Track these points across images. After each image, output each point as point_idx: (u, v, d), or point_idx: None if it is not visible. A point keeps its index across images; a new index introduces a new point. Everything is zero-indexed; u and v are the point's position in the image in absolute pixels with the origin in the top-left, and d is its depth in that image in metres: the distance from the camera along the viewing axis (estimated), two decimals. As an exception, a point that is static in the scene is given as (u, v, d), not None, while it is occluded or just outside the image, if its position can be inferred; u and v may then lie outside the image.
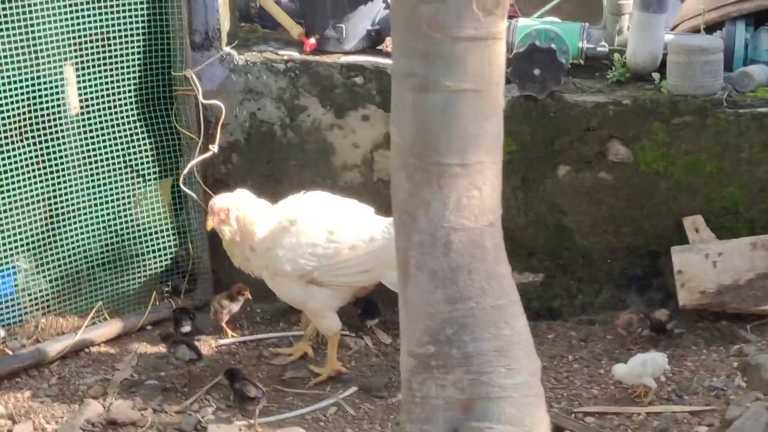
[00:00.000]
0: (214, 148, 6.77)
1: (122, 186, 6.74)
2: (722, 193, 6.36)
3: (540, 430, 4.06)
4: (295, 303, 6.18)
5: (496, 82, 3.92)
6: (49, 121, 6.34)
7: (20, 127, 6.24)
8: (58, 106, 6.36)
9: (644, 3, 6.39)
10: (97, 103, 6.53)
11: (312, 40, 6.99)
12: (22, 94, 6.18)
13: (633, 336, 6.23)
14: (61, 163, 6.45)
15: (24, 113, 6.24)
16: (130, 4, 6.47)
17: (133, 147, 6.72)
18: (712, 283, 6.18)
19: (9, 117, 6.16)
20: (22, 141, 6.26)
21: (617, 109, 6.38)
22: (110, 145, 6.62)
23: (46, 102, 6.30)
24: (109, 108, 6.59)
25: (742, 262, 6.17)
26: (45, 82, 6.27)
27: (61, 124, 6.39)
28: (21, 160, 6.26)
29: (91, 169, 6.59)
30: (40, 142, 6.35)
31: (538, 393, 4.10)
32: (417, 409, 4.09)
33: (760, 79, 6.34)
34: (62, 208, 6.51)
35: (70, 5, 6.24)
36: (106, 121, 6.58)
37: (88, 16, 6.30)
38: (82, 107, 6.45)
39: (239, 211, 5.99)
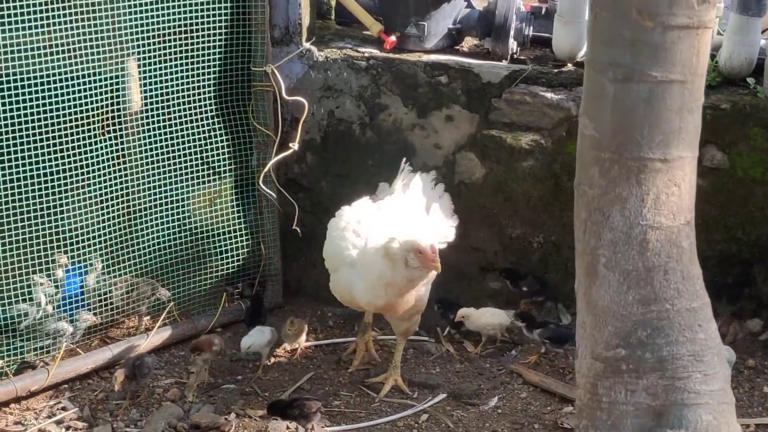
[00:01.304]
0: (295, 146, 6.56)
1: (197, 184, 6.47)
2: (820, 201, 6.25)
3: (735, 439, 3.89)
4: (418, 306, 5.97)
5: (702, 73, 3.77)
6: (127, 116, 6.06)
7: (103, 123, 5.96)
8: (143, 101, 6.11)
9: (743, 6, 6.29)
10: (177, 98, 6.25)
11: (392, 38, 6.81)
12: (105, 88, 5.95)
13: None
14: (139, 159, 6.18)
15: (106, 108, 5.96)
16: (211, -2, 6.20)
17: (210, 144, 6.47)
18: (812, 293, 6.06)
19: (92, 111, 5.87)
20: (104, 136, 5.98)
21: (714, 113, 6.26)
22: (187, 141, 6.39)
23: (126, 97, 6.05)
24: (188, 103, 6.32)
25: (843, 271, 6.06)
26: (125, 77, 5.98)
27: (140, 120, 6.16)
28: (102, 156, 5.98)
29: (168, 165, 6.31)
30: (120, 137, 6.07)
31: (731, 401, 3.94)
32: (603, 415, 3.91)
33: None
34: (139, 205, 6.22)
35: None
36: (184, 116, 6.36)
37: (171, 8, 6.05)
38: (162, 102, 6.21)
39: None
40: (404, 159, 6.29)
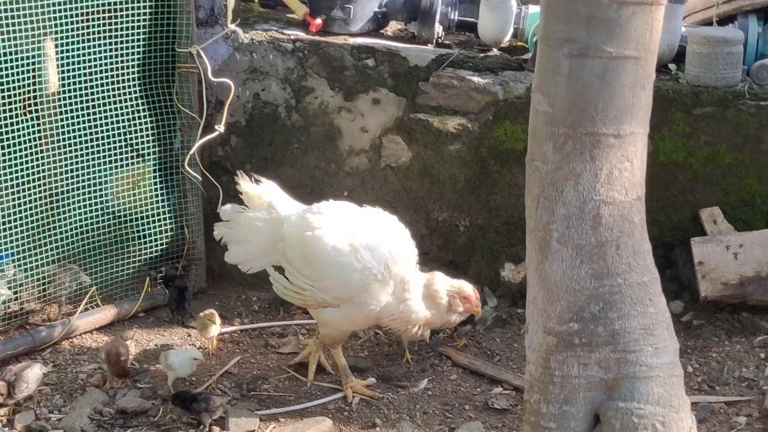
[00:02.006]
0: (221, 128, 6.47)
1: (120, 166, 6.36)
2: (740, 185, 6.40)
3: (685, 411, 3.96)
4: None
5: (654, 50, 3.82)
6: (46, 98, 5.93)
7: (25, 104, 5.81)
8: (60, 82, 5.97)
9: (666, -7, 6.37)
10: (100, 79, 6.12)
11: (318, 21, 6.78)
12: (24, 68, 5.80)
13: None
14: (60, 142, 6.04)
15: (26, 89, 5.81)
16: (136, -23, 6.09)
17: (133, 126, 6.35)
18: (734, 275, 6.20)
19: (11, 92, 5.71)
20: (26, 116, 5.82)
21: (639, 98, 6.32)
22: (111, 123, 6.26)
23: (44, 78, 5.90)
24: (111, 84, 6.20)
25: (763, 254, 6.22)
26: (43, 57, 5.84)
27: (61, 101, 6.01)
28: (22, 138, 5.83)
29: (90, 148, 6.19)
30: (41, 119, 5.92)
31: (680, 374, 4.00)
32: (555, 389, 3.94)
33: (778, 72, 6.40)
34: (60, 189, 6.08)
35: (75, -23, 5.84)
36: (107, 98, 6.22)
37: (95, -12, 5.92)
38: (84, 83, 6.07)
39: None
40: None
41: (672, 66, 6.57)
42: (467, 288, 5.55)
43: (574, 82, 3.77)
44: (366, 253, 5.44)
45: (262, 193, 5.82)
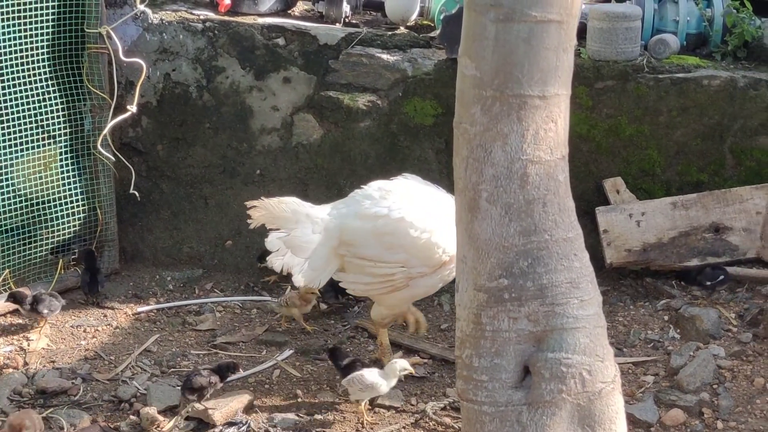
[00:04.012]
0: (133, 108, 6.47)
1: (30, 148, 6.32)
2: (641, 155, 6.63)
3: (609, 360, 4.13)
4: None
5: (575, 14, 3.97)
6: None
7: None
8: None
9: (567, -29, 6.57)
10: (9, 60, 6.09)
11: (227, 1, 6.82)
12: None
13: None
14: (-30, 120, 5.98)
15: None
16: (43, -44, 6.06)
17: (43, 107, 6.32)
18: (637, 242, 6.43)
19: None
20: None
21: (543, 73, 6.52)
22: (20, 105, 6.23)
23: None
24: (20, 65, 6.18)
25: (664, 221, 6.46)
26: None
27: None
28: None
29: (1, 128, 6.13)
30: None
31: (604, 325, 4.17)
32: (487, 343, 4.07)
33: (673, 47, 6.67)
34: (-30, 168, 6.03)
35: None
36: (16, 78, 6.19)
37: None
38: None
39: None
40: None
41: (574, 42, 6.75)
42: None
43: (501, 45, 3.89)
44: (446, 215, 5.21)
45: (297, 207, 5.56)
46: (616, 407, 4.08)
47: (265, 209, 5.52)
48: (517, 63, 3.89)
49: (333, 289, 6.29)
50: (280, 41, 6.63)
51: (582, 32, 6.52)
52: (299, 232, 5.47)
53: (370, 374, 5.31)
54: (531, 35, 3.87)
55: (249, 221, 5.58)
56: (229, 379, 5.44)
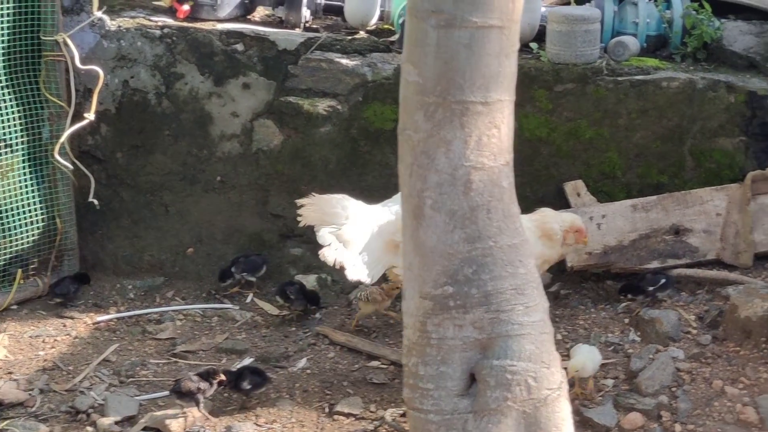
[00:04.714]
0: (91, 116, 6.44)
1: (-12, 156, 6.27)
2: (601, 158, 6.63)
3: (555, 366, 4.11)
4: None
5: (517, 19, 3.96)
6: None
7: None
8: None
9: (525, -26, 6.56)
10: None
11: (185, 7, 6.80)
12: None
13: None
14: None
15: None
16: (-2, -37, 6.03)
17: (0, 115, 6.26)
18: (598, 245, 6.42)
19: None
20: None
21: (503, 77, 6.50)
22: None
23: None
24: (-25, 73, 6.11)
25: (624, 224, 6.45)
26: None
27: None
28: None
29: (-44, 137, 6.10)
30: None
31: (550, 330, 4.16)
32: (432, 351, 4.05)
33: (633, 49, 6.66)
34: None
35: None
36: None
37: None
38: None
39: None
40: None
41: (533, 45, 6.77)
42: (578, 221, 5.69)
43: (442, 51, 3.88)
44: None
45: (348, 203, 5.56)
46: (562, 414, 4.07)
47: (316, 205, 5.53)
48: (459, 69, 3.87)
49: (304, 296, 6.28)
50: (239, 47, 6.60)
51: (542, 35, 6.53)
52: (352, 227, 5.47)
53: None
54: (472, 41, 3.85)
55: (299, 219, 5.59)
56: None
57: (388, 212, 5.55)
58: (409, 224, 4.06)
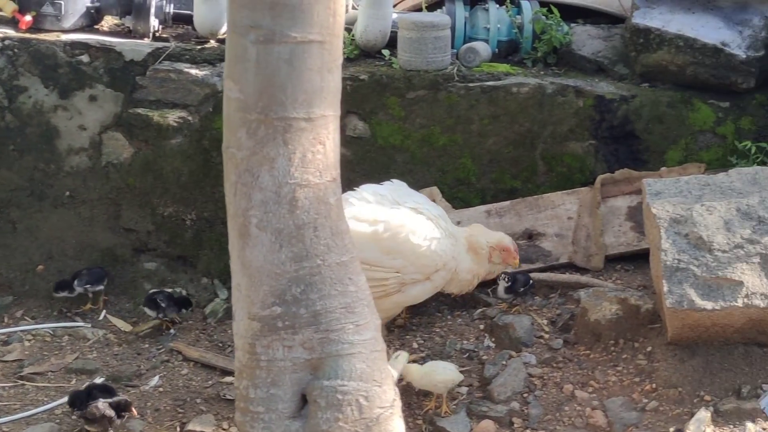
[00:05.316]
0: (-72, 133, 6.20)
1: None
2: (455, 164, 6.62)
3: (388, 384, 4.07)
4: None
5: (339, 34, 3.91)
6: None
7: None
8: None
9: (375, -19, 6.55)
10: None
11: (28, 17, 6.61)
12: None
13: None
14: None
15: None
16: None
17: None
18: (454, 251, 6.38)
19: None
20: None
21: (354, 84, 6.50)
22: None
23: None
24: None
25: (479, 229, 6.42)
26: None
27: None
28: None
29: None
30: None
31: (383, 348, 4.12)
32: (262, 374, 3.98)
33: (484, 54, 6.67)
34: None
35: None
36: None
37: None
38: None
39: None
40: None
41: (386, 52, 6.73)
42: (506, 240, 5.69)
43: (263, 67, 3.81)
44: (442, 222, 5.59)
45: None
46: (395, 432, 4.02)
47: None
48: (280, 85, 3.80)
49: (175, 303, 6.22)
50: (84, 58, 6.45)
51: (393, 42, 6.49)
52: None
53: None
54: (293, 56, 3.79)
55: None
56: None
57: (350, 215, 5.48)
58: (236, 244, 3.98)
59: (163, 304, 6.21)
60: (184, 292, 6.57)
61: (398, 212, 5.52)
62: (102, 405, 5.20)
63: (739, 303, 5.00)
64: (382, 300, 5.47)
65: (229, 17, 3.87)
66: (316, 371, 4.01)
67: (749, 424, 4.94)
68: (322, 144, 3.90)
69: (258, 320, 3.96)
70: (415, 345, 6.10)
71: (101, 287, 6.47)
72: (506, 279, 6.02)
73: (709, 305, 5.01)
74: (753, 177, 5.52)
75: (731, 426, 4.99)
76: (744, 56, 6.43)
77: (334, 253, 3.98)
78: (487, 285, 6.24)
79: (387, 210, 5.52)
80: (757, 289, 5.05)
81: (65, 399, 5.65)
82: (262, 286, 3.95)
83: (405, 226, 5.44)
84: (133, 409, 5.31)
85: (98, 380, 5.79)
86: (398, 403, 4.12)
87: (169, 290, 6.46)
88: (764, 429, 4.92)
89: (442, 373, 5.32)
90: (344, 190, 5.38)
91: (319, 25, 3.81)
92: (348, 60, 6.74)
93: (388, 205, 5.56)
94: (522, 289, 6.15)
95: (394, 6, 7.14)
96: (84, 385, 5.51)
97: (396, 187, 5.77)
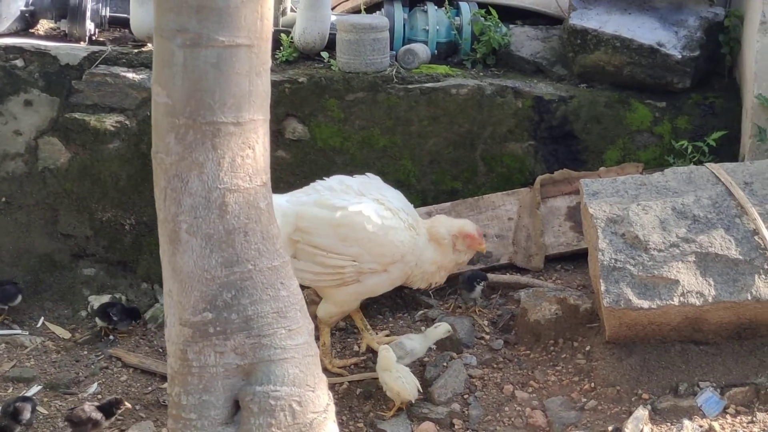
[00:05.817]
0: None
1: None
2: (395, 166, 6.62)
3: (321, 389, 4.05)
4: None
5: (267, 38, 3.88)
6: None
7: None
8: None
9: (313, -16, 6.52)
10: None
11: (-40, 22, 6.50)
12: None
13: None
14: None
15: None
16: None
17: None
18: (394, 253, 6.37)
19: None
20: None
21: (293, 87, 6.48)
22: None
23: None
24: None
25: (420, 230, 6.41)
26: None
27: None
28: None
29: None
30: None
31: (316, 353, 4.09)
32: (194, 380, 3.95)
33: (423, 56, 6.67)
34: None
35: None
36: None
37: None
38: None
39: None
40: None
41: (324, 54, 6.71)
42: (468, 226, 5.60)
43: (190, 72, 3.78)
44: (403, 214, 5.53)
45: None
46: (329, 437, 4.00)
47: None
48: (208, 89, 3.77)
49: (126, 314, 6.21)
50: (19, 62, 6.38)
51: (332, 44, 6.47)
52: None
53: (408, 341, 5.49)
54: (220, 60, 3.76)
55: None
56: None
57: (295, 202, 5.49)
58: (166, 249, 3.94)
59: (115, 318, 6.15)
60: (123, 299, 6.49)
61: (358, 201, 5.49)
62: (88, 407, 5.13)
63: (675, 301, 5.03)
64: (339, 289, 5.52)
65: (156, 21, 3.83)
66: (249, 377, 3.98)
67: (686, 422, 4.96)
68: (251, 148, 3.87)
69: (189, 326, 3.93)
70: (356, 348, 6.07)
71: (9, 306, 6.38)
72: (481, 282, 6.05)
73: (645, 304, 5.03)
74: (688, 176, 5.55)
75: (669, 424, 5.02)
76: (680, 56, 6.47)
77: (266, 257, 3.95)
78: (451, 284, 6.21)
79: (349, 198, 5.50)
80: (693, 288, 5.07)
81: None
82: (193, 292, 3.92)
83: (362, 214, 5.42)
84: (126, 403, 5.29)
85: (34, 389, 5.72)
86: (332, 408, 4.11)
87: (122, 302, 6.37)
88: (701, 426, 4.94)
89: (401, 387, 5.29)
90: (285, 192, 5.44)
91: (246, 29, 3.78)
92: (287, 62, 6.72)
93: (353, 194, 5.54)
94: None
95: (333, 8, 7.12)
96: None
97: (367, 179, 5.77)
